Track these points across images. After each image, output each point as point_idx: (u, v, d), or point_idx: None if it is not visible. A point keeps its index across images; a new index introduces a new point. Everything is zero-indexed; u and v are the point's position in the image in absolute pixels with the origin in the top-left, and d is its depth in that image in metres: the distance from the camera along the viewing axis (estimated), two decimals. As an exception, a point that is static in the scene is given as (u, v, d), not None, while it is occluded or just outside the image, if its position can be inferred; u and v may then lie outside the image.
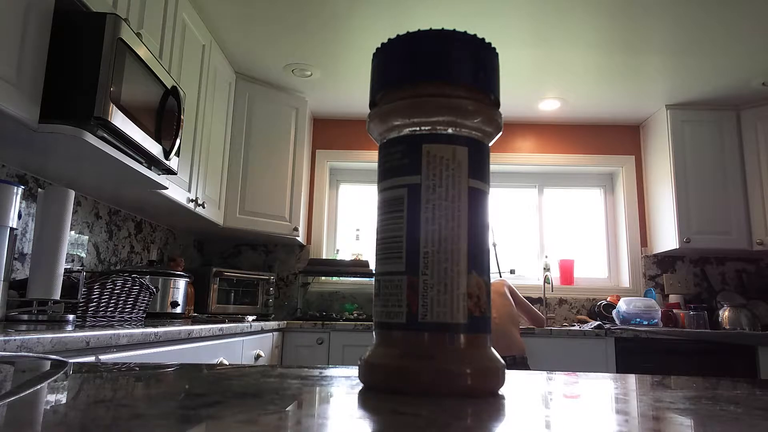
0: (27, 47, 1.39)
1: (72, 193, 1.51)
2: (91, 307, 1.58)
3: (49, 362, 0.44)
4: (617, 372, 2.82)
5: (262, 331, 2.47)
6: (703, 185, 3.30)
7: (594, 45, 2.76)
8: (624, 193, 3.70)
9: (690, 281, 3.53)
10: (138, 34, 1.74)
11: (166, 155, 1.96)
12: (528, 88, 3.26)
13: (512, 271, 3.47)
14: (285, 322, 2.85)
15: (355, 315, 3.24)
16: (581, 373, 0.46)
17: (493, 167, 3.81)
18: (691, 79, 3.11)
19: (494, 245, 3.51)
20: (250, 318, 2.63)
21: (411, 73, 0.35)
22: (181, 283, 2.47)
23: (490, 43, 0.36)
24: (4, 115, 1.33)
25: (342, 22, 2.62)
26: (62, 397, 0.29)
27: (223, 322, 2.04)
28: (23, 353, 0.58)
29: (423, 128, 0.35)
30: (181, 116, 2.06)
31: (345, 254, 3.66)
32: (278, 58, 2.99)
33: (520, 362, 2.65)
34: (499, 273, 3.44)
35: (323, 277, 3.55)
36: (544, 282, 3.45)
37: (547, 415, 0.27)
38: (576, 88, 3.25)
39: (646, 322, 3.15)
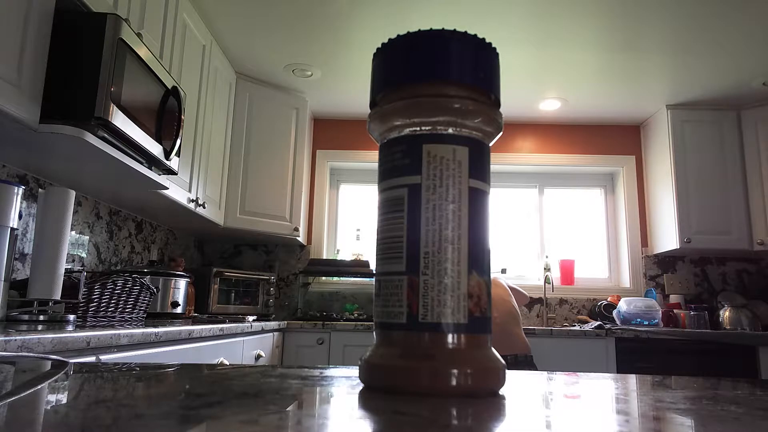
0: (28, 47, 1.39)
1: (72, 193, 1.51)
2: (92, 307, 1.58)
3: (49, 362, 0.44)
4: (618, 372, 2.82)
5: (263, 331, 2.47)
6: (704, 185, 3.30)
7: (594, 45, 2.76)
8: (624, 194, 3.70)
9: (690, 281, 3.53)
10: (138, 35, 1.74)
11: (167, 155, 1.96)
12: (528, 88, 3.26)
13: (503, 271, 3.46)
14: (285, 322, 2.85)
15: (356, 315, 3.24)
16: (582, 373, 0.46)
17: (493, 167, 3.81)
18: (692, 79, 3.11)
19: None
20: (251, 318, 2.63)
21: (411, 73, 0.35)
22: (182, 283, 2.47)
23: (490, 43, 0.36)
24: (5, 115, 1.33)
25: (342, 22, 2.62)
26: (63, 398, 0.29)
27: (224, 323, 2.04)
28: (24, 353, 0.58)
29: (423, 128, 0.35)
30: (182, 116, 2.06)
31: (345, 254, 3.66)
32: (278, 58, 2.99)
33: (523, 361, 2.57)
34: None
35: (324, 277, 3.54)
36: (545, 282, 3.45)
37: (548, 416, 0.27)
38: (576, 88, 3.25)
39: (646, 323, 3.15)
